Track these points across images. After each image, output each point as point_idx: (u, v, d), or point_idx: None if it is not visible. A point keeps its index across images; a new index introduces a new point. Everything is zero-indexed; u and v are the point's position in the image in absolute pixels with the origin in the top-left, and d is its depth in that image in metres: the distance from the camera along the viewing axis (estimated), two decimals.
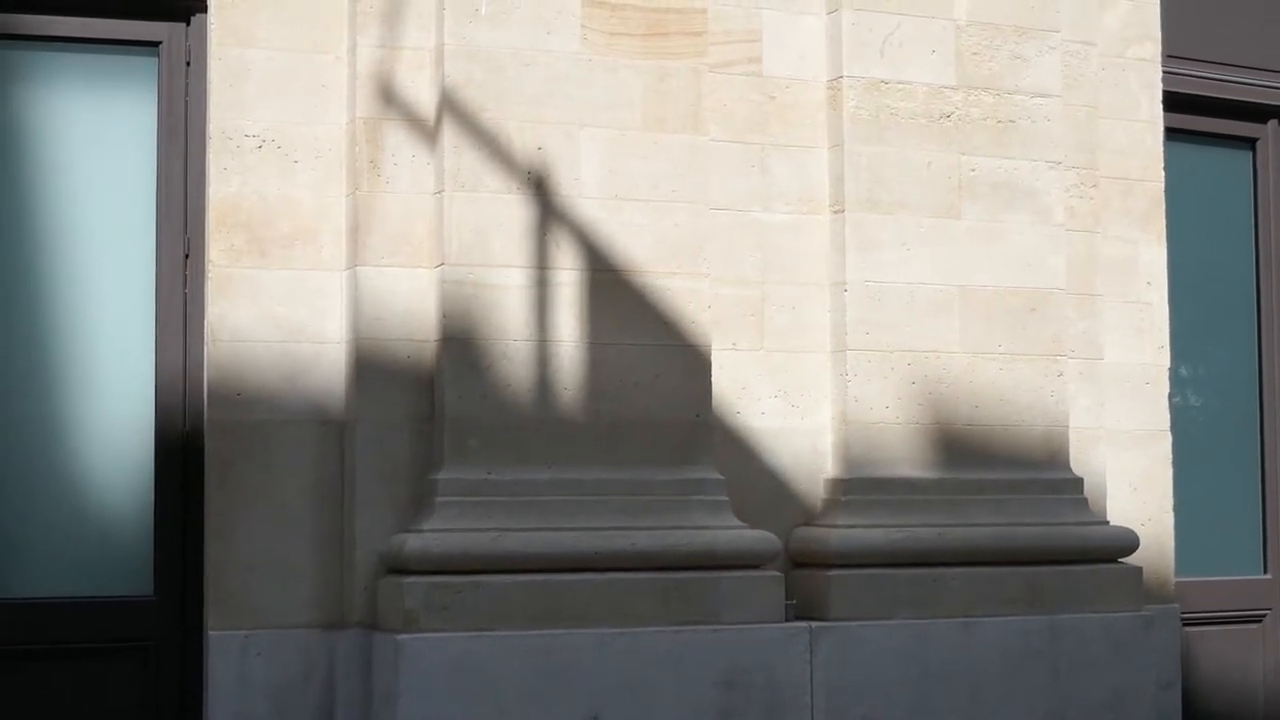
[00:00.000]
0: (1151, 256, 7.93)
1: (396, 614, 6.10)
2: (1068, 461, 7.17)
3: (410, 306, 6.38)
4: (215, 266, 6.36)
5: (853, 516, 6.79)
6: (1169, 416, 7.93)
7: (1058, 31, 7.29)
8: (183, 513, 6.50)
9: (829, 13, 7.03)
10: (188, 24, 6.64)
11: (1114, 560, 7.17)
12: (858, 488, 6.84)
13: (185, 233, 6.58)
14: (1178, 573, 7.99)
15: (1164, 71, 8.03)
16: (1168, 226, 7.99)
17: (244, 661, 6.26)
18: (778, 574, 6.60)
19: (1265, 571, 8.60)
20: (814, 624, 6.60)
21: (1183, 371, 8.40)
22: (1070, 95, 7.45)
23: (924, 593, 6.78)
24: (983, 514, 6.95)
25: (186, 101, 6.61)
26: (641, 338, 6.51)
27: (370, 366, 6.34)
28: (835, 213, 6.97)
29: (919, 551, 6.80)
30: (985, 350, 7.05)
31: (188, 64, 6.63)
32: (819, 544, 6.76)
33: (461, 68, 6.37)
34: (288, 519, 6.36)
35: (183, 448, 6.51)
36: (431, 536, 6.15)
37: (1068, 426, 7.18)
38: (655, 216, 6.55)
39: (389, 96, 6.41)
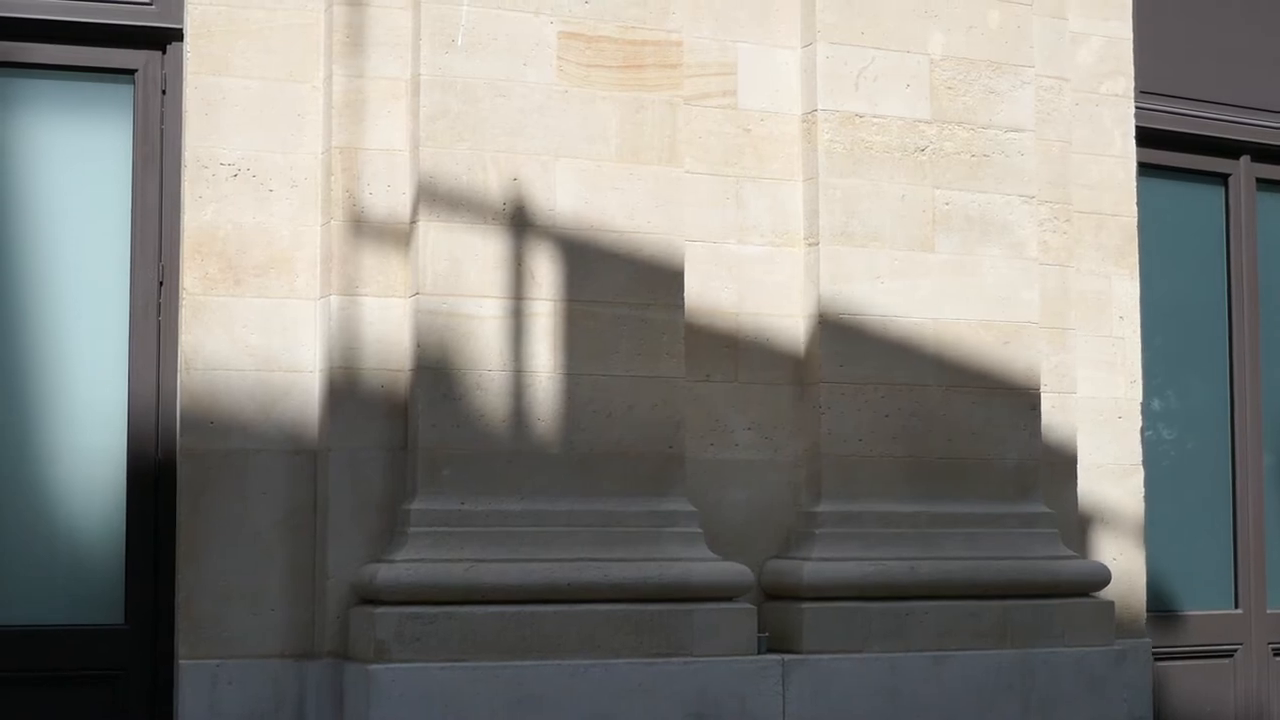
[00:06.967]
0: (1124, 291, 7.96)
1: (368, 644, 6.08)
2: (1040, 495, 7.18)
3: (385, 336, 6.38)
4: (189, 294, 6.35)
5: (825, 549, 6.78)
6: (1141, 450, 7.95)
7: (1031, 67, 7.32)
8: (154, 541, 6.48)
9: (804, 46, 7.05)
10: (163, 52, 6.64)
11: (1086, 594, 7.18)
12: (830, 520, 6.84)
13: (160, 260, 6.57)
14: (1149, 607, 8.01)
15: (1137, 107, 8.07)
16: (1140, 261, 8.02)
17: (215, 691, 6.24)
18: (750, 606, 6.59)
19: (1236, 606, 8.61)
20: (786, 657, 6.60)
21: (1155, 406, 8.43)
22: (1044, 130, 7.48)
23: (896, 626, 6.78)
24: (955, 547, 6.95)
25: (162, 129, 6.61)
26: (615, 369, 6.51)
27: (344, 396, 6.33)
28: (809, 245, 6.98)
29: (891, 584, 6.80)
30: (959, 383, 7.06)
31: (163, 92, 6.63)
32: (791, 576, 6.76)
33: (437, 98, 6.37)
34: (260, 548, 6.34)
35: (155, 476, 6.50)
36: (404, 567, 6.13)
37: (1040, 460, 7.19)
38: (630, 248, 6.55)
39: (364, 126, 6.42)
